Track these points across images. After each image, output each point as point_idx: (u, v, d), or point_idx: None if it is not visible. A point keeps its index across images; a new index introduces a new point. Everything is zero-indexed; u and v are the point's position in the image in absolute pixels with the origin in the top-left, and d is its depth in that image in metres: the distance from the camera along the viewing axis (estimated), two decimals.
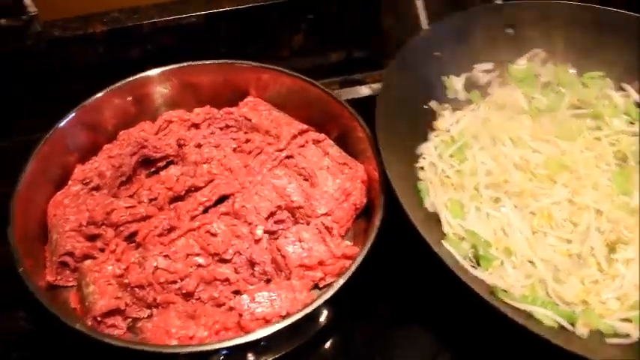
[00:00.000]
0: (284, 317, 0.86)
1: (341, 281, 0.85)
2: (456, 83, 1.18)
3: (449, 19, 1.18)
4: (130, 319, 0.94)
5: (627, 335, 0.86)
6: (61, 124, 1.06)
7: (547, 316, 0.86)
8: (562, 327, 0.86)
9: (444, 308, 1.00)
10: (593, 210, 0.98)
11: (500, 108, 1.15)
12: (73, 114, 1.07)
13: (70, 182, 1.06)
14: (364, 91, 1.34)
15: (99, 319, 0.90)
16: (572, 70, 1.22)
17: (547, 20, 1.21)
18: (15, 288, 0.88)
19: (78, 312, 0.94)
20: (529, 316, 0.86)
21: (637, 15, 1.18)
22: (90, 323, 0.90)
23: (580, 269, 0.93)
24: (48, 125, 1.06)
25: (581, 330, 0.85)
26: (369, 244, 0.89)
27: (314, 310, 0.83)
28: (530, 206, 0.99)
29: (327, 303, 0.84)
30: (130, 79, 1.13)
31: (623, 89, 1.20)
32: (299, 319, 0.82)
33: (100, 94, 1.10)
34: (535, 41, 1.22)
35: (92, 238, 0.99)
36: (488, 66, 1.21)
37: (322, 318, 0.92)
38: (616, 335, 0.86)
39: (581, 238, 0.97)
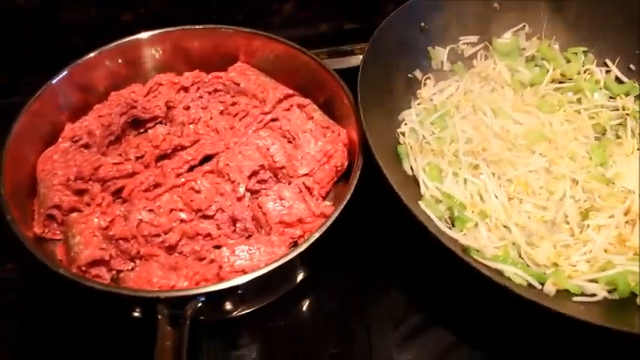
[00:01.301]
0: None
1: (316, 235, 0.87)
2: (440, 54, 1.20)
3: None
4: (114, 271, 0.96)
5: (593, 294, 0.89)
6: (53, 82, 1.08)
7: (517, 275, 0.89)
8: (530, 285, 0.89)
9: (420, 270, 1.03)
10: (569, 179, 1.01)
11: (483, 80, 1.18)
12: (64, 73, 1.09)
13: (59, 139, 1.09)
14: (353, 61, 1.36)
15: (83, 268, 0.93)
16: (556, 45, 1.24)
17: None
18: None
19: (64, 263, 0.96)
20: (499, 274, 0.88)
21: None
22: (75, 272, 0.92)
23: (553, 234, 0.97)
24: (40, 84, 1.07)
25: (549, 288, 0.89)
26: (345, 201, 0.91)
27: (289, 261, 0.85)
28: (507, 174, 1.01)
29: (302, 256, 0.87)
30: (122, 41, 1.15)
31: (606, 65, 1.22)
32: (274, 270, 0.84)
33: (91, 55, 1.12)
34: (521, 16, 1.24)
35: (79, 192, 1.01)
36: (474, 39, 1.22)
37: (298, 272, 0.95)
38: (582, 294, 0.89)
39: (556, 205, 1.00)
